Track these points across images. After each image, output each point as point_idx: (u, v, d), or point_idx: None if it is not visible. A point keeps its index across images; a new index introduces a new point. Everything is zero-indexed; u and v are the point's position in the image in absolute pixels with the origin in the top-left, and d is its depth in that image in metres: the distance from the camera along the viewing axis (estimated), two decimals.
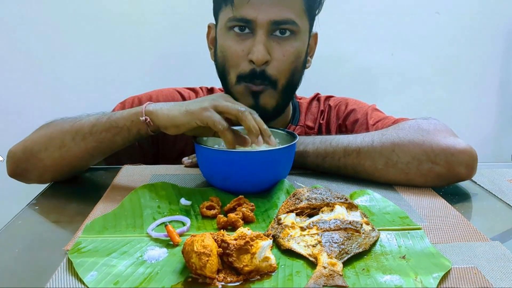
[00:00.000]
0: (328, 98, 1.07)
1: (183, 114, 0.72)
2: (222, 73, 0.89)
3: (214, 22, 0.92)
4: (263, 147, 0.81)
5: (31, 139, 0.82)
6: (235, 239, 0.52)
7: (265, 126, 0.73)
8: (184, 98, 1.03)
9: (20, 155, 0.81)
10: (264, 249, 0.51)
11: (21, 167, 0.81)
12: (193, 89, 1.06)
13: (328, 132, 1.02)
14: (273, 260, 0.51)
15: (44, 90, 1.55)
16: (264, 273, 0.50)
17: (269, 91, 0.86)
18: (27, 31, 1.50)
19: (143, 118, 0.74)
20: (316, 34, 0.96)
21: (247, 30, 0.84)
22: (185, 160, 0.89)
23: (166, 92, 1.03)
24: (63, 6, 1.49)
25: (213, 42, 0.94)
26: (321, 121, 1.04)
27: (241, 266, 0.50)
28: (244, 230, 0.54)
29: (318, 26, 0.94)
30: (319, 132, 1.03)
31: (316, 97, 1.08)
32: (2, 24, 1.49)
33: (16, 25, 1.49)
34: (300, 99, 1.07)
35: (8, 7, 1.48)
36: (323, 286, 0.48)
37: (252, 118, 0.72)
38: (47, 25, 1.50)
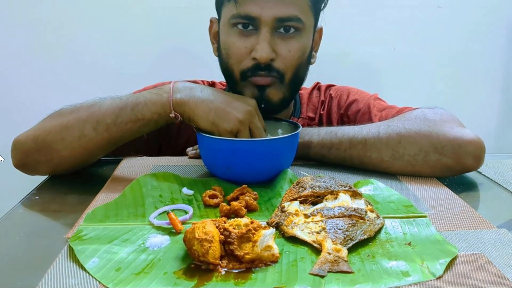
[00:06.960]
0: (329, 87, 1.06)
1: (211, 123, 0.73)
2: (226, 69, 0.87)
3: (217, 16, 0.91)
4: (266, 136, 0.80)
5: (43, 129, 0.78)
6: (234, 228, 0.51)
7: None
8: None
9: (31, 144, 0.77)
10: (266, 237, 0.50)
11: (31, 158, 0.77)
12: (194, 82, 1.05)
13: (329, 122, 1.01)
14: (275, 250, 0.50)
15: (44, 87, 1.54)
16: (266, 262, 0.50)
17: (276, 85, 0.84)
18: (27, 29, 1.49)
19: (173, 114, 0.74)
20: (321, 29, 0.94)
21: (250, 27, 0.82)
22: (189, 150, 0.88)
23: None
24: (66, 1, 1.49)
25: (215, 37, 0.92)
26: (321, 112, 1.03)
27: (242, 254, 0.49)
28: (242, 220, 0.52)
29: (324, 21, 0.93)
30: (320, 123, 1.02)
31: (317, 87, 1.07)
32: (8, 21, 1.49)
33: (21, 21, 1.49)
34: (300, 90, 1.06)
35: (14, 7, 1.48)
36: (328, 271, 0.47)
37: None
38: (49, 18, 1.49)
